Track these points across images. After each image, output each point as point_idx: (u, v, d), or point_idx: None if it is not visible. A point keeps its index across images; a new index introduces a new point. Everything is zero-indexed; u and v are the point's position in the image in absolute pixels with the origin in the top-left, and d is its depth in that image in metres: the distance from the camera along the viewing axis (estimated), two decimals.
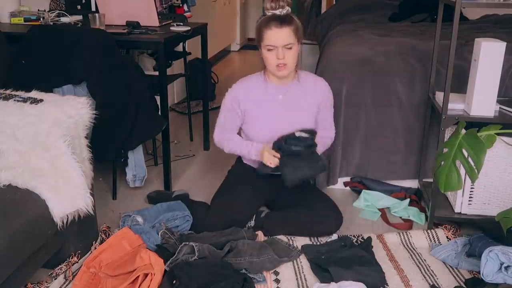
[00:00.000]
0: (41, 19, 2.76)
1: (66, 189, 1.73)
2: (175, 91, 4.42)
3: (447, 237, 2.14)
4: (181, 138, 3.53)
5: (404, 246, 2.12)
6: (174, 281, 1.73)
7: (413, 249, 2.10)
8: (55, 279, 1.85)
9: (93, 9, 2.94)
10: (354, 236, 2.17)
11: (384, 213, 2.42)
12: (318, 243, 2.11)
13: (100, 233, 2.09)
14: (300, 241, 2.11)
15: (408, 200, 2.45)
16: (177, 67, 4.07)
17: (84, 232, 1.96)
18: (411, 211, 2.38)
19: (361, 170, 2.64)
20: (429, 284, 1.86)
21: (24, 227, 1.56)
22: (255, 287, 1.82)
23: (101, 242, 2.01)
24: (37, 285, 1.82)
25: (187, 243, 1.90)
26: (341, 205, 2.38)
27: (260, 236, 2.13)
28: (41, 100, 1.87)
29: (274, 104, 2.17)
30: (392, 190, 2.57)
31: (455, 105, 2.11)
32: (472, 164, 1.68)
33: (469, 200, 2.18)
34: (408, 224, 2.31)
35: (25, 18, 2.78)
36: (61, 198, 1.69)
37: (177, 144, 3.39)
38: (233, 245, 1.93)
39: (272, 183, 2.28)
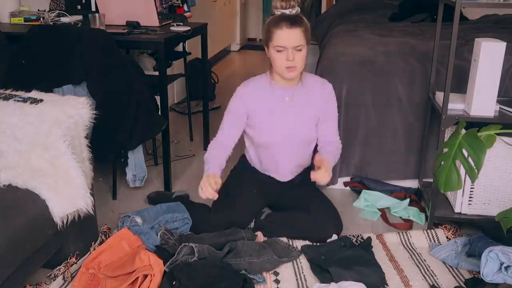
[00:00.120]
0: (41, 19, 2.76)
1: (66, 189, 1.73)
2: (175, 91, 4.42)
3: (447, 237, 2.14)
4: (181, 138, 3.53)
5: (404, 246, 2.12)
6: (174, 282, 1.73)
7: (413, 249, 2.10)
8: (53, 280, 1.85)
9: (93, 9, 2.94)
10: (354, 236, 2.17)
11: (384, 213, 2.42)
12: (318, 244, 2.11)
13: (100, 234, 2.09)
14: (300, 241, 2.11)
15: (408, 200, 2.45)
16: (177, 67, 4.07)
17: (84, 232, 1.96)
18: (411, 211, 2.38)
19: (361, 170, 2.64)
20: (429, 284, 1.86)
21: (24, 227, 1.56)
22: None
23: (101, 243, 2.01)
24: (36, 287, 1.81)
25: (187, 244, 1.90)
26: (341, 205, 2.39)
27: (260, 236, 2.13)
28: (41, 100, 1.87)
29: (280, 106, 2.14)
30: (392, 190, 2.57)
31: (455, 105, 2.11)
32: (472, 164, 1.68)
33: (469, 200, 2.18)
34: (408, 224, 2.31)
35: (25, 18, 2.78)
36: (61, 198, 1.69)
37: (177, 144, 3.39)
38: (232, 246, 1.93)
39: (274, 185, 2.28)
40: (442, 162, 1.73)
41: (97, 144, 2.09)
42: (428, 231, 2.17)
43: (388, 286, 1.85)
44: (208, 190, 1.89)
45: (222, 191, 2.28)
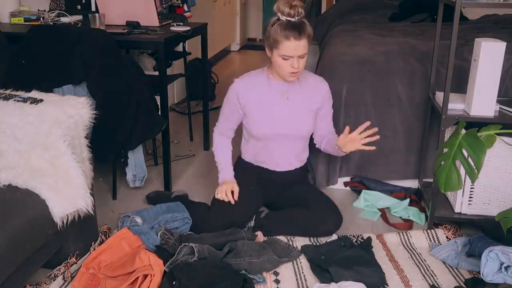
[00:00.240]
0: (41, 19, 2.76)
1: (66, 189, 1.73)
2: (175, 91, 4.42)
3: (447, 237, 2.14)
4: (181, 138, 3.53)
5: (404, 246, 2.12)
6: (174, 282, 1.73)
7: (413, 249, 2.10)
8: (53, 280, 1.85)
9: (93, 9, 2.94)
10: (354, 236, 2.17)
11: (384, 213, 2.42)
12: (318, 244, 2.11)
13: (100, 234, 2.09)
14: (300, 241, 2.11)
15: (408, 200, 2.45)
16: (177, 67, 4.07)
17: (84, 232, 1.96)
18: (411, 211, 2.38)
19: (361, 170, 2.64)
20: (429, 284, 1.86)
21: (24, 227, 1.56)
22: None
23: (101, 243, 2.01)
24: (36, 287, 1.81)
25: (187, 244, 1.90)
26: (341, 205, 2.39)
27: (260, 236, 2.13)
28: (41, 100, 1.87)
29: (276, 102, 2.17)
30: (392, 190, 2.57)
31: (455, 105, 2.11)
32: (472, 164, 1.68)
33: (469, 200, 2.18)
34: (408, 224, 2.31)
35: (25, 18, 2.78)
36: (61, 198, 1.69)
37: (177, 144, 3.39)
38: (232, 246, 1.93)
39: (272, 183, 2.28)
40: (442, 162, 1.73)
41: (97, 144, 2.09)
42: (428, 231, 2.17)
43: (388, 286, 1.85)
44: (229, 197, 2.14)
45: None
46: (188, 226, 2.19)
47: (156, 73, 3.08)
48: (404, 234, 2.17)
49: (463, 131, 1.75)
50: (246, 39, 7.95)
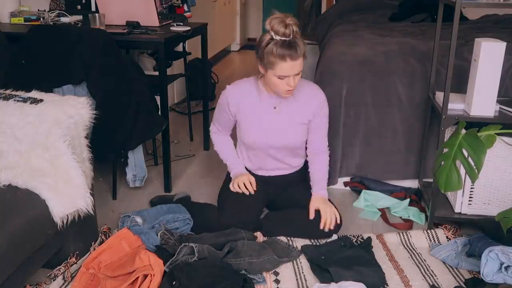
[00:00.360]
0: (41, 19, 2.76)
1: (66, 189, 1.73)
2: (175, 91, 4.42)
3: (447, 237, 2.14)
4: (181, 138, 3.53)
5: (404, 246, 2.12)
6: (174, 282, 1.73)
7: (413, 249, 2.10)
8: (54, 280, 1.85)
9: (93, 9, 2.94)
10: (354, 236, 2.17)
11: (384, 213, 2.42)
12: (318, 244, 2.11)
13: (100, 234, 2.09)
14: (300, 241, 2.11)
15: (408, 200, 2.45)
16: (177, 67, 4.07)
17: (84, 232, 1.96)
18: (411, 211, 2.38)
19: (361, 170, 2.64)
20: (429, 284, 1.86)
21: (24, 227, 1.56)
22: None
23: (101, 243, 2.01)
24: (36, 287, 1.81)
25: (187, 244, 1.90)
26: (341, 205, 2.39)
27: (260, 236, 2.13)
28: (41, 100, 1.87)
29: (267, 114, 2.15)
30: (392, 190, 2.57)
31: (455, 105, 2.11)
32: (472, 164, 1.68)
33: (469, 200, 2.18)
34: (408, 224, 2.31)
35: (25, 18, 2.78)
36: (61, 198, 1.69)
37: (177, 144, 3.39)
38: (232, 246, 1.93)
39: (272, 184, 2.28)
40: (442, 162, 1.73)
41: (97, 144, 2.09)
42: (428, 231, 2.17)
43: (388, 286, 1.85)
44: (249, 188, 2.17)
45: (226, 190, 2.29)
46: (189, 227, 2.18)
47: (156, 73, 3.08)
48: (404, 234, 2.17)
49: (463, 131, 1.75)
50: (246, 39, 7.95)
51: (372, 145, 2.57)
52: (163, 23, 2.82)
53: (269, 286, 1.85)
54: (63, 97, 1.99)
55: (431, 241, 2.13)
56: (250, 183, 2.20)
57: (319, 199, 2.15)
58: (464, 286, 1.85)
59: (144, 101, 2.44)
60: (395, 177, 2.63)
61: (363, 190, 2.54)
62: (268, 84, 2.07)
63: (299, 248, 2.06)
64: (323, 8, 6.00)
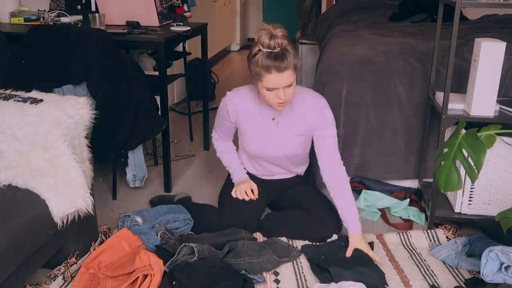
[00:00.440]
0: (41, 19, 2.76)
1: (66, 189, 1.73)
2: (175, 91, 4.43)
3: (447, 237, 2.14)
4: (181, 138, 3.53)
5: (404, 246, 2.12)
6: (174, 282, 1.73)
7: (413, 249, 2.10)
8: (53, 280, 1.85)
9: (93, 9, 2.94)
10: None
11: (384, 213, 2.42)
12: (318, 244, 2.11)
13: (100, 234, 2.09)
14: (300, 242, 2.11)
15: (408, 200, 2.45)
16: (177, 67, 4.07)
17: (84, 232, 1.96)
18: (411, 211, 2.38)
19: (361, 170, 2.63)
20: (429, 284, 1.86)
21: (24, 227, 1.56)
22: None
23: (101, 243, 2.01)
24: (36, 287, 1.81)
25: (187, 244, 1.90)
26: None
27: (259, 237, 2.13)
28: (41, 100, 1.87)
29: (265, 125, 2.14)
30: (392, 190, 2.57)
31: (455, 105, 2.11)
32: (472, 164, 1.68)
33: (469, 200, 2.18)
34: (408, 224, 2.31)
35: (25, 18, 2.78)
36: (61, 198, 1.69)
37: (177, 144, 3.39)
38: (232, 246, 1.93)
39: (273, 186, 2.28)
40: (442, 162, 1.73)
41: (97, 144, 2.09)
42: (428, 231, 2.17)
43: (388, 286, 1.85)
44: (250, 195, 2.17)
45: (227, 191, 2.29)
46: (189, 227, 2.19)
47: (156, 73, 3.08)
48: (404, 234, 2.17)
49: (463, 131, 1.75)
50: (246, 39, 7.95)
51: (372, 145, 2.57)
52: (163, 23, 2.82)
53: (269, 286, 1.85)
54: (63, 97, 1.99)
55: (431, 241, 2.13)
56: (252, 190, 2.19)
57: (357, 238, 1.98)
58: (464, 286, 1.85)
59: (144, 101, 2.44)
60: (395, 177, 2.63)
61: (363, 190, 2.54)
62: (262, 97, 2.03)
63: (299, 248, 2.06)
64: (323, 8, 5.99)
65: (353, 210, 2.04)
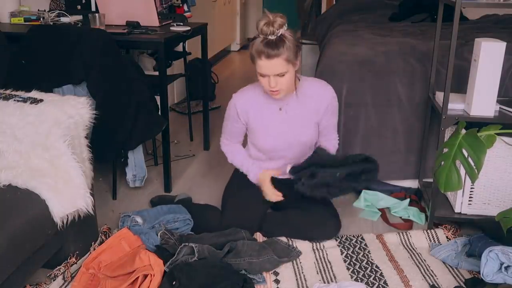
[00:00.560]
0: (41, 19, 2.76)
1: (66, 189, 1.73)
2: (175, 91, 4.43)
3: (447, 237, 2.14)
4: (181, 138, 3.53)
5: (404, 246, 2.12)
6: (174, 282, 1.73)
7: (413, 249, 2.10)
8: (53, 280, 1.85)
9: (93, 9, 2.94)
10: (354, 236, 2.17)
11: (384, 213, 2.42)
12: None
13: (100, 234, 2.09)
14: (300, 242, 2.11)
15: (408, 200, 2.45)
16: (177, 67, 4.07)
17: (84, 232, 1.96)
18: (411, 211, 2.38)
19: None
20: (429, 284, 1.86)
21: (24, 227, 1.56)
22: None
23: (101, 243, 2.01)
24: (36, 287, 1.81)
25: (187, 244, 1.90)
26: (341, 205, 2.39)
27: (260, 236, 2.13)
28: (41, 100, 1.87)
29: (274, 116, 2.16)
30: (392, 190, 2.57)
31: (455, 105, 2.11)
32: (472, 164, 1.68)
33: (469, 200, 2.18)
34: (408, 224, 2.31)
35: (25, 18, 2.78)
36: (61, 198, 1.69)
37: (177, 144, 3.39)
38: (232, 246, 1.93)
39: (275, 185, 2.28)
40: (442, 162, 1.73)
41: (97, 144, 2.09)
42: (428, 231, 2.17)
43: (388, 286, 1.85)
44: (277, 198, 2.17)
45: (229, 191, 2.29)
46: (189, 227, 2.19)
47: (156, 73, 3.08)
48: (404, 234, 2.17)
49: (463, 131, 1.75)
50: (246, 39, 7.94)
51: (372, 145, 2.57)
52: (163, 23, 2.82)
53: (269, 286, 1.85)
54: (63, 97, 1.99)
55: (431, 241, 2.13)
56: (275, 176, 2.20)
57: None
58: (464, 286, 1.85)
59: (144, 101, 2.44)
60: (395, 177, 2.62)
61: (363, 190, 2.54)
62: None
63: (299, 248, 2.06)
64: (323, 8, 5.99)
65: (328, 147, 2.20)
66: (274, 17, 1.91)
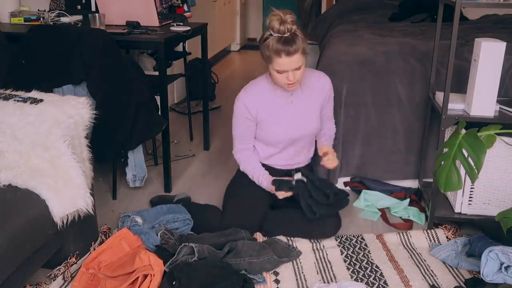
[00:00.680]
0: (41, 19, 2.76)
1: (66, 189, 1.73)
2: (175, 91, 4.42)
3: (447, 237, 2.14)
4: (181, 138, 3.53)
5: (404, 246, 2.12)
6: (174, 282, 1.73)
7: (413, 249, 2.10)
8: (54, 280, 1.85)
9: (93, 9, 2.94)
10: (354, 236, 2.17)
11: (384, 213, 2.42)
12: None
13: (100, 234, 2.09)
14: (300, 241, 2.11)
15: (408, 200, 2.45)
16: (177, 67, 4.07)
17: (84, 232, 1.96)
18: (411, 211, 2.38)
19: (361, 170, 2.63)
20: (429, 284, 1.86)
21: (24, 227, 1.56)
22: None
23: (101, 243, 2.01)
24: (36, 287, 1.81)
25: (187, 243, 1.90)
26: None
27: (260, 236, 2.13)
28: (41, 100, 1.87)
29: (281, 107, 2.17)
30: (392, 190, 2.57)
31: (455, 105, 2.11)
32: (472, 164, 1.68)
33: (469, 200, 2.18)
34: (408, 224, 2.31)
35: (25, 18, 2.78)
36: (61, 198, 1.69)
37: (177, 144, 3.39)
38: (232, 246, 1.93)
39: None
40: (442, 162, 1.73)
41: (97, 144, 2.09)
42: (428, 231, 2.17)
43: (388, 286, 1.85)
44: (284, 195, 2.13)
45: (231, 191, 2.29)
46: (189, 227, 2.19)
47: (156, 73, 3.08)
48: (404, 234, 2.17)
49: (463, 131, 1.75)
50: (246, 39, 7.94)
51: (372, 145, 2.57)
52: (163, 23, 2.82)
53: (269, 286, 1.85)
54: (63, 97, 1.99)
55: (431, 241, 2.13)
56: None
57: (326, 147, 2.24)
58: (464, 286, 1.85)
59: (144, 101, 2.44)
60: (395, 177, 2.63)
61: (363, 190, 2.54)
62: (272, 78, 2.11)
63: (299, 248, 2.06)
64: (323, 8, 6.00)
65: (328, 137, 2.31)
66: (284, 15, 1.95)
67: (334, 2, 5.61)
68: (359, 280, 1.88)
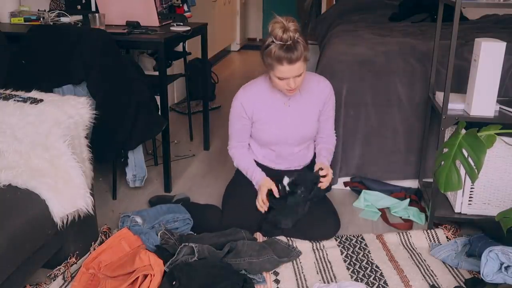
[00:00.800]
0: (41, 19, 2.76)
1: (66, 189, 1.73)
2: (175, 91, 4.43)
3: (447, 237, 2.14)
4: (181, 138, 3.53)
5: (404, 246, 2.12)
6: (174, 282, 1.73)
7: (413, 249, 2.10)
8: (54, 280, 1.85)
9: (93, 9, 2.94)
10: (354, 236, 2.17)
11: (384, 213, 2.42)
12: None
13: (100, 234, 2.09)
14: (300, 242, 2.11)
15: (408, 200, 2.45)
16: (177, 67, 4.07)
17: (84, 232, 1.96)
18: (411, 211, 2.38)
19: (361, 170, 2.64)
20: (429, 284, 1.86)
21: (24, 227, 1.56)
22: None
23: (101, 243, 2.01)
24: (36, 287, 1.81)
25: (187, 243, 1.90)
26: (341, 205, 2.39)
27: (260, 236, 2.13)
28: (41, 100, 1.87)
29: (278, 110, 2.17)
30: (392, 190, 2.57)
31: (455, 105, 2.11)
32: (472, 164, 1.68)
33: (469, 200, 2.18)
34: (408, 224, 2.31)
35: (25, 18, 2.78)
36: (61, 198, 1.69)
37: (177, 144, 3.39)
38: (232, 246, 1.93)
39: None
40: (442, 162, 1.74)
41: (97, 144, 2.09)
42: (428, 231, 2.17)
43: (388, 286, 1.85)
44: (262, 207, 2.12)
45: (230, 191, 2.29)
46: (189, 227, 2.19)
47: (156, 73, 3.08)
48: (404, 234, 2.17)
49: (463, 131, 1.75)
50: (246, 39, 7.95)
51: (372, 145, 2.57)
52: (163, 23, 2.82)
53: (269, 286, 1.85)
54: (63, 97, 1.99)
55: (431, 241, 2.13)
56: (270, 190, 2.16)
57: (323, 163, 2.20)
58: (464, 286, 1.85)
59: (144, 101, 2.44)
60: (395, 177, 2.63)
61: (363, 190, 2.54)
62: (273, 83, 2.10)
63: (299, 248, 2.06)
64: (323, 8, 6.00)
65: (326, 152, 2.24)
66: (287, 22, 1.93)
67: (334, 2, 5.61)
68: (359, 280, 1.88)
